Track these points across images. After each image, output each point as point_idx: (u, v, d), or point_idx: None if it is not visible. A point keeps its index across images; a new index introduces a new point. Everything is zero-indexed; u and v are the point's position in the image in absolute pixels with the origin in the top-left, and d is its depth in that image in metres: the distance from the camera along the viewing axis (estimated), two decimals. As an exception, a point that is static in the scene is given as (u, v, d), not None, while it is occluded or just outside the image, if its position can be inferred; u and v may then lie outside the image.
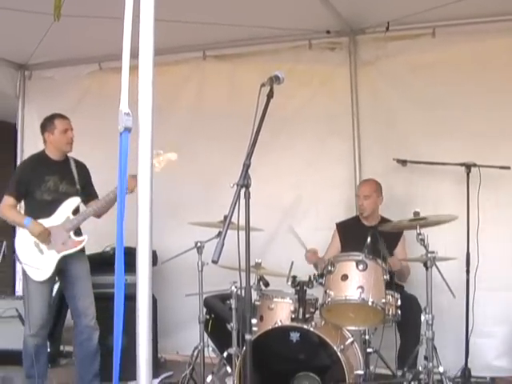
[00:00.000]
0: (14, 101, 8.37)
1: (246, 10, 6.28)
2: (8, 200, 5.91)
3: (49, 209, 5.87)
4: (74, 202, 5.96)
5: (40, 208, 5.87)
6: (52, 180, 5.91)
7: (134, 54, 2.81)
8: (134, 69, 2.81)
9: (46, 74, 8.26)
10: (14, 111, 8.47)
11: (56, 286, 6.27)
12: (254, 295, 5.58)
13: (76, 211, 5.93)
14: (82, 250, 6.03)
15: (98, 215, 6.05)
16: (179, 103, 7.74)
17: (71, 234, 5.85)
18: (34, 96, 8.36)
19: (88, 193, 6.11)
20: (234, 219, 3.65)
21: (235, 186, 3.66)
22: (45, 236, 5.77)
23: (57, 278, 6.04)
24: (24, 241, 5.84)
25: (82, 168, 6.19)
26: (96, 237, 6.33)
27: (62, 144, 6.01)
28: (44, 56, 7.86)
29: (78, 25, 6.19)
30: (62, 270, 5.92)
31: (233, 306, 5.68)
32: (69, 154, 6.12)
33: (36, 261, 5.77)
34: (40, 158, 6.09)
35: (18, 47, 7.52)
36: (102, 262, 6.79)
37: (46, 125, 6.03)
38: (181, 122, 7.67)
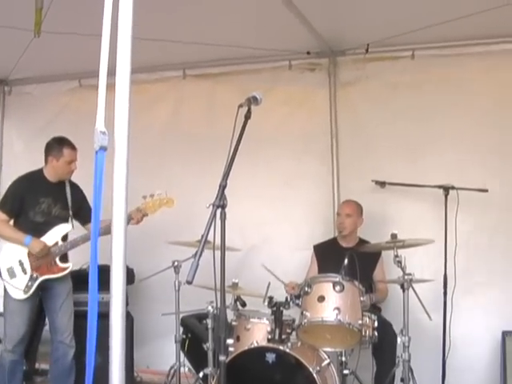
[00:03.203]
0: (-8, 116, 8.32)
1: (227, 29, 6.29)
2: (1, 215, 5.88)
3: (39, 230, 5.86)
4: (65, 228, 5.98)
5: (31, 228, 5.85)
6: (46, 202, 5.92)
7: (114, 72, 2.80)
8: (112, 86, 2.80)
9: (26, 90, 8.20)
10: (-8, 126, 8.43)
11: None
12: (231, 315, 5.57)
13: (65, 238, 5.94)
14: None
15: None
16: (156, 122, 7.71)
17: (57, 259, 5.86)
18: (13, 111, 8.28)
19: (85, 213, 6.03)
20: (211, 238, 3.65)
21: (211, 207, 3.66)
22: (45, 252, 5.79)
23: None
24: (8, 258, 5.84)
25: (76, 190, 6.17)
26: (74, 254, 6.30)
27: (63, 173, 6.03)
28: (24, 72, 7.81)
29: (58, 41, 6.16)
30: (45, 288, 5.93)
31: (209, 326, 5.66)
32: None
33: (18, 280, 5.77)
34: (37, 178, 6.06)
35: (-3, 62, 7.48)
36: (79, 280, 6.72)
37: (54, 148, 5.98)
38: (157, 139, 7.65)
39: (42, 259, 5.80)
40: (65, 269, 5.90)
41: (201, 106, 7.64)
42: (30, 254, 5.80)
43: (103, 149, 2.66)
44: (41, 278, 5.80)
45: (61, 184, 6.07)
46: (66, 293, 6.03)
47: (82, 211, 6.08)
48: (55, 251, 5.84)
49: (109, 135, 2.69)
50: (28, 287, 5.76)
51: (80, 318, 6.34)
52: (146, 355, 7.34)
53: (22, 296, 5.76)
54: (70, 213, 6.05)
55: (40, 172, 6.06)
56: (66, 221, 6.01)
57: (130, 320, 6.78)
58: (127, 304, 6.51)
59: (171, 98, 7.78)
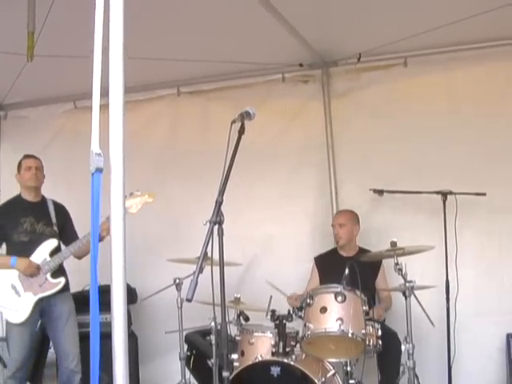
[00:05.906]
0: (-11, 141, 8.34)
1: (218, 45, 6.30)
2: None
3: (26, 250, 5.85)
4: (52, 243, 5.95)
5: (18, 250, 5.86)
6: (28, 221, 5.93)
7: (108, 92, 2.81)
8: (107, 107, 2.81)
9: (22, 114, 8.21)
10: (-10, 151, 8.44)
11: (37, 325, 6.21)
12: (235, 330, 5.56)
13: (53, 253, 5.90)
14: (66, 290, 6.03)
15: (79, 257, 6.01)
16: (153, 140, 7.71)
17: (48, 275, 5.84)
18: (9, 136, 8.29)
19: (67, 234, 6.10)
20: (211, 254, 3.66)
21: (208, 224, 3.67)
22: (33, 269, 5.77)
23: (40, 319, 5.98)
24: (1, 285, 5.82)
25: (60, 209, 6.20)
26: (77, 276, 6.30)
27: (25, 180, 6.05)
28: (19, 95, 7.83)
29: (52, 64, 6.18)
30: (45, 310, 5.90)
31: (213, 342, 5.65)
32: (46, 196, 6.16)
33: (13, 303, 5.75)
34: (14, 202, 6.12)
35: (-8, 87, 7.50)
36: (82, 301, 6.73)
37: (17, 167, 6.10)
38: (155, 158, 7.64)
39: (32, 278, 5.79)
40: (57, 284, 5.86)
41: (196, 122, 7.65)
42: (20, 276, 5.79)
43: (99, 170, 2.66)
44: (35, 298, 5.77)
45: (42, 202, 6.13)
46: (66, 314, 5.99)
47: (63, 232, 6.13)
48: (45, 268, 5.82)
49: (105, 156, 2.69)
50: (25, 309, 5.74)
51: (85, 339, 6.34)
52: (152, 373, 7.30)
53: (20, 319, 5.74)
54: (55, 228, 6.05)
55: (17, 196, 6.15)
56: (53, 237, 6.00)
57: (134, 339, 6.78)
58: (131, 323, 6.53)
59: (167, 116, 7.78)
